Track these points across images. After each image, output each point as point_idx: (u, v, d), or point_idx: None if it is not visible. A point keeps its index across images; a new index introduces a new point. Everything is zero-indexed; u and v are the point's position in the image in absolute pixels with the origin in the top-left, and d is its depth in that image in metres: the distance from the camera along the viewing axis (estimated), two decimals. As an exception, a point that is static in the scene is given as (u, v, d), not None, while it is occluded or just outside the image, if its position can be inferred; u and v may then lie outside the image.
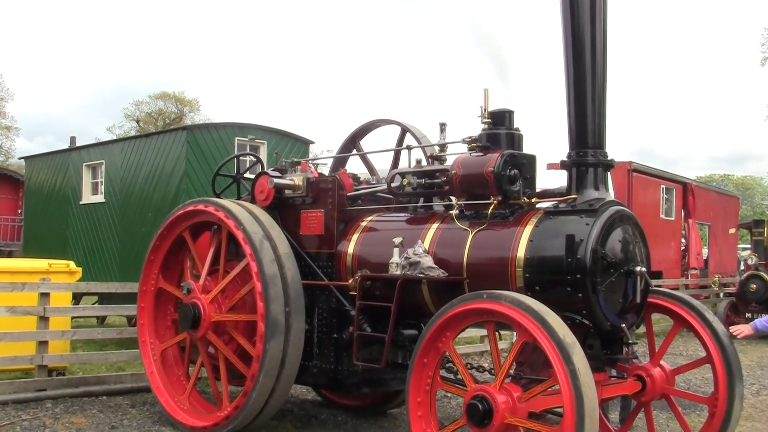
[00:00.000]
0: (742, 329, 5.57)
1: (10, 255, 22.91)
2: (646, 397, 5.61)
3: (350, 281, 6.16)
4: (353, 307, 6.04)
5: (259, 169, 7.41)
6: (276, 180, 6.74)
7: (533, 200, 5.55)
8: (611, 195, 5.46)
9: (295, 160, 7.24)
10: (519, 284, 5.18)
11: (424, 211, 6.27)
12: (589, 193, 5.27)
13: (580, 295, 4.94)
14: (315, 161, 7.76)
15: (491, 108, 5.83)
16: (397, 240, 5.85)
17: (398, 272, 5.67)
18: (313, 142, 14.25)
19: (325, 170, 7.66)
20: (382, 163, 8.37)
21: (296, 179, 6.74)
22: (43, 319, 7.90)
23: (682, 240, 18.67)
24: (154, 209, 12.10)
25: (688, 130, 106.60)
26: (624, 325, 5.14)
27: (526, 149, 5.88)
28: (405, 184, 6.18)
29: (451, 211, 5.90)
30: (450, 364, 5.40)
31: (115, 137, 41.80)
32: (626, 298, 5.18)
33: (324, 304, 6.41)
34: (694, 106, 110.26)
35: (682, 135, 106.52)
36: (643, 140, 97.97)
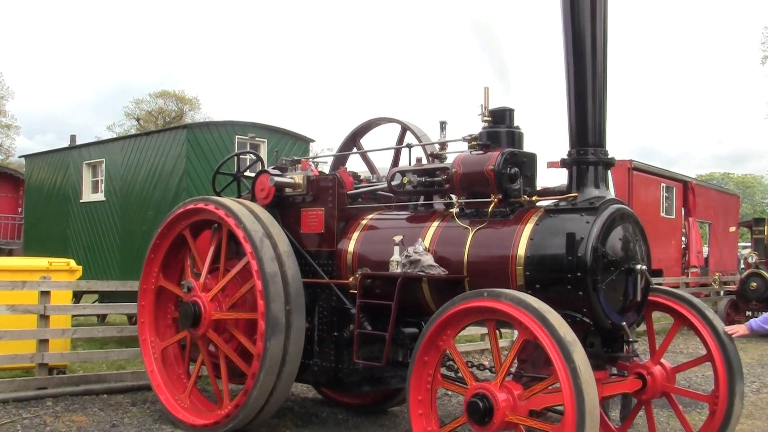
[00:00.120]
0: (737, 329, 5.56)
1: (10, 253, 22.93)
2: (646, 395, 5.61)
3: (351, 279, 6.16)
4: (354, 305, 6.04)
5: (259, 167, 7.41)
6: (276, 178, 6.74)
7: (534, 198, 5.55)
8: (612, 193, 5.46)
9: (296, 158, 7.25)
10: (519, 282, 5.19)
11: (425, 210, 6.27)
12: (589, 192, 5.27)
13: (581, 293, 4.94)
14: (315, 159, 7.76)
15: (491, 106, 5.83)
16: (398, 238, 5.85)
17: (399, 270, 5.67)
18: (313, 141, 14.25)
19: (326, 168, 7.66)
20: (383, 162, 8.38)
21: (296, 177, 6.74)
22: (44, 318, 7.91)
23: (683, 238, 18.66)
24: (154, 208, 12.10)
25: (689, 129, 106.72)
26: (624, 323, 5.14)
27: (527, 147, 5.88)
28: (405, 182, 6.17)
29: (451, 210, 5.90)
30: (450, 362, 5.40)
31: (115, 135, 41.85)
32: (627, 297, 5.18)
33: (324, 303, 6.41)
34: (695, 104, 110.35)
35: (682, 133, 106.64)
36: (643, 138, 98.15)
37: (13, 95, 49.33)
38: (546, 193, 5.60)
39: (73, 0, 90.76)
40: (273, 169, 7.10)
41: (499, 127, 5.79)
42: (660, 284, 7.78)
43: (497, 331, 5.00)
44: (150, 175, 12.40)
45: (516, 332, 4.81)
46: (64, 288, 8.57)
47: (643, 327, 7.47)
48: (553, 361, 4.35)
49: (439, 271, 5.52)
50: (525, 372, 4.97)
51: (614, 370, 5.66)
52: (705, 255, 20.55)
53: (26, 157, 17.33)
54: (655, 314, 6.03)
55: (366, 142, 8.27)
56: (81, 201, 14.17)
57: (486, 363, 6.14)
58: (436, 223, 5.88)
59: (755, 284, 15.77)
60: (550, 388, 4.53)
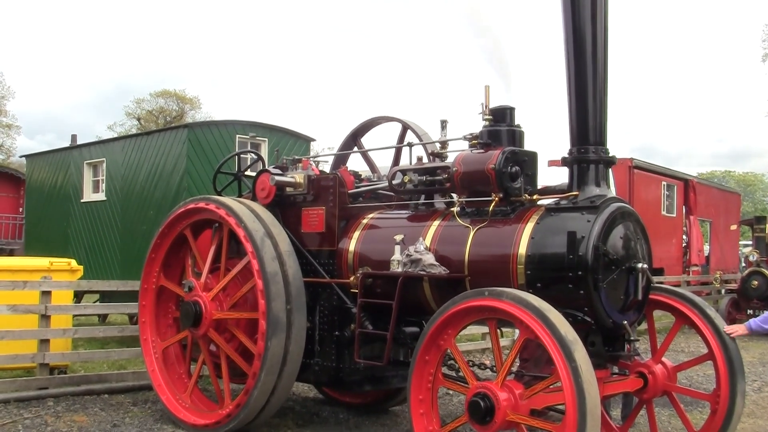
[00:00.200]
0: (736, 329, 5.55)
1: (11, 253, 22.93)
2: (647, 394, 5.61)
3: (352, 279, 6.15)
4: (355, 304, 6.04)
5: (260, 166, 7.41)
6: (277, 177, 6.74)
7: (534, 197, 5.55)
8: (612, 192, 5.46)
9: (297, 157, 7.24)
10: (520, 281, 5.18)
11: (426, 209, 6.26)
12: (590, 190, 5.27)
13: (582, 292, 4.94)
14: (316, 159, 7.76)
15: (492, 105, 5.83)
16: (399, 237, 5.85)
17: (399, 269, 5.67)
18: (314, 140, 14.24)
19: (327, 168, 7.66)
20: (383, 161, 8.38)
21: (297, 177, 6.73)
22: (45, 318, 7.91)
23: (684, 237, 18.66)
24: (155, 207, 12.10)
25: (690, 127, 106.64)
26: (626, 322, 5.13)
27: (528, 146, 5.88)
28: (406, 181, 6.17)
29: (452, 209, 5.90)
30: (452, 362, 5.40)
31: (116, 135, 41.84)
32: (628, 295, 5.17)
33: (325, 302, 6.41)
34: (696, 102, 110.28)
35: (683, 132, 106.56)
36: (644, 137, 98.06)
37: (13, 95, 49.33)
38: (547, 191, 5.60)
39: (73, 0, 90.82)
40: (274, 168, 7.09)
41: (500, 126, 5.78)
42: (661, 283, 7.77)
43: (498, 330, 4.99)
44: (151, 175, 12.40)
45: (517, 331, 4.81)
46: (65, 288, 8.57)
47: (644, 326, 7.44)
48: (555, 360, 4.35)
49: (440, 270, 5.52)
50: (527, 371, 4.97)
51: (615, 369, 5.65)
52: (706, 253, 20.53)
53: (27, 156, 17.33)
54: (657, 313, 6.03)
55: (367, 141, 8.27)
56: (82, 201, 14.17)
57: (487, 362, 6.14)
58: (436, 222, 5.88)
59: (756, 282, 15.76)
60: (551, 387, 4.53)
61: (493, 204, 5.55)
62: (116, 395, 8.03)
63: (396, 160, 7.68)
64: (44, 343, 7.95)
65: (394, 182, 6.31)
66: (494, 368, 5.26)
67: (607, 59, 5.30)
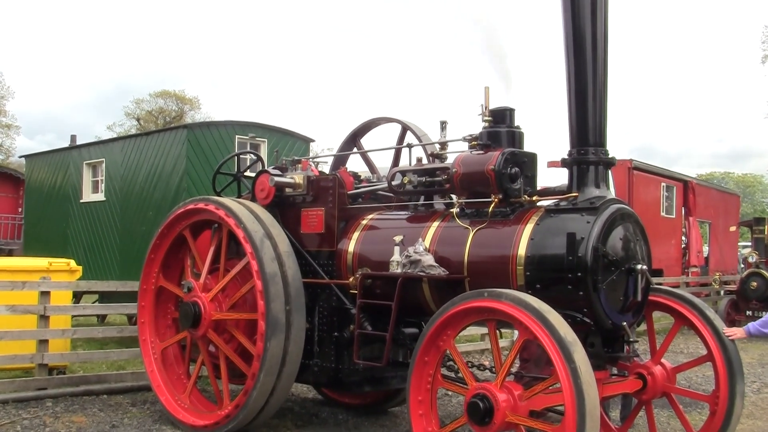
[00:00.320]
0: (735, 332, 5.55)
1: (10, 253, 22.90)
2: (647, 395, 5.61)
3: (351, 279, 6.15)
4: (354, 305, 6.03)
5: (259, 167, 7.40)
6: (276, 178, 6.74)
7: (534, 198, 5.54)
8: (612, 193, 5.46)
9: (296, 158, 7.25)
10: (520, 282, 5.18)
11: (425, 210, 6.26)
12: (590, 191, 5.27)
13: (581, 293, 4.94)
14: (315, 159, 7.76)
15: (492, 106, 5.83)
16: (398, 238, 5.85)
17: (399, 270, 5.66)
18: (313, 141, 14.24)
19: (326, 168, 7.66)
20: (383, 162, 8.38)
21: (297, 177, 6.73)
22: (44, 318, 7.90)
23: (683, 238, 18.66)
24: (154, 208, 12.10)
25: (689, 128, 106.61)
26: (625, 323, 5.13)
27: (527, 147, 5.88)
28: (406, 182, 6.17)
29: (451, 210, 5.90)
30: (451, 363, 5.40)
31: (115, 135, 41.82)
32: (627, 296, 5.17)
33: (325, 303, 6.41)
34: (695, 103, 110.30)
35: (683, 133, 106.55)
36: (643, 138, 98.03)
37: (13, 95, 49.34)
38: (546, 192, 5.60)
39: (73, 0, 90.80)
40: (273, 169, 7.09)
41: (500, 127, 5.78)
42: (660, 284, 7.78)
43: (497, 332, 4.99)
44: (150, 175, 12.39)
45: (516, 332, 4.81)
46: (64, 288, 8.57)
47: (643, 327, 7.46)
48: (554, 362, 4.35)
49: (440, 271, 5.51)
50: (526, 372, 4.97)
51: (615, 370, 5.66)
52: (705, 254, 20.53)
53: (26, 157, 17.32)
54: (656, 314, 6.03)
55: (366, 141, 8.27)
56: (81, 201, 14.16)
57: (486, 363, 6.14)
58: (436, 223, 5.88)
59: (755, 284, 15.74)
60: (550, 388, 4.53)
61: (492, 205, 5.55)
62: (115, 396, 8.03)
63: (395, 161, 7.68)
64: (43, 343, 7.94)
65: (393, 183, 6.31)
66: (493, 369, 5.26)
67: (607, 60, 5.31)
